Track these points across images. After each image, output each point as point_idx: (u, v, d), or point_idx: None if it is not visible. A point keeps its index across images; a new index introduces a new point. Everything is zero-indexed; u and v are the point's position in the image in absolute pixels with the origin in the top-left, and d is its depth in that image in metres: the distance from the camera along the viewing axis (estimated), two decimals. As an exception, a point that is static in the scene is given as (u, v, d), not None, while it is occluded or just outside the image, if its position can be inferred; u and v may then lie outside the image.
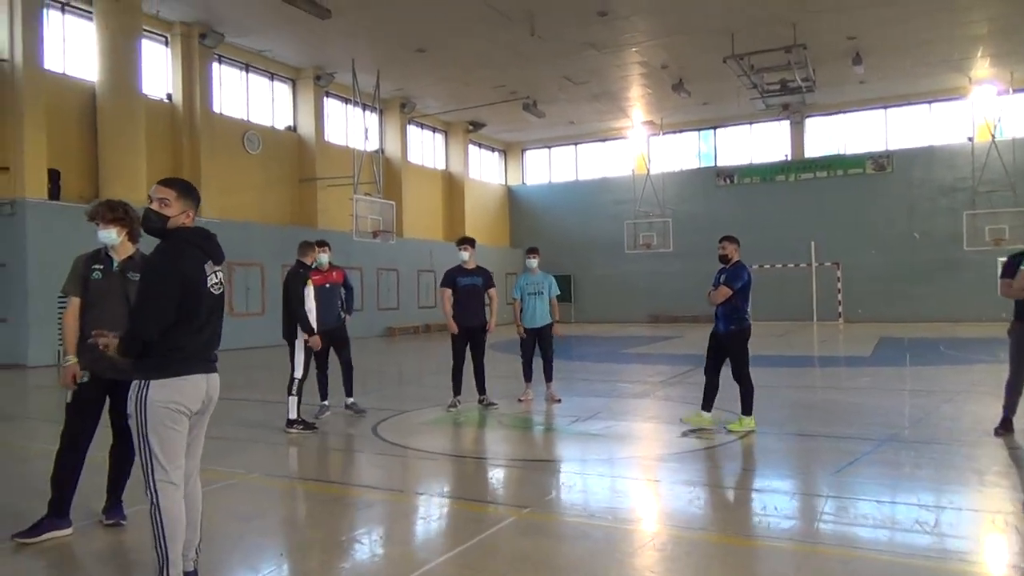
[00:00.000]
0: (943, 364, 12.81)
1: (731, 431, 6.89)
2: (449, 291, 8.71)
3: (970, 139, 24.85)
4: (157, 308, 3.10)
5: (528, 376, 9.23)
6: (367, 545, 4.20)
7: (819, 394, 10.07)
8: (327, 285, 8.21)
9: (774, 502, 4.84)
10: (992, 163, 23.55)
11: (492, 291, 8.88)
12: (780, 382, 11.21)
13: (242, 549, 4.12)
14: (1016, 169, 23.40)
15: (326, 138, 22.97)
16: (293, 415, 7.40)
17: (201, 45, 18.64)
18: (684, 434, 6.98)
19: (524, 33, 18.40)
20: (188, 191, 3.31)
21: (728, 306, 7.08)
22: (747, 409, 7.02)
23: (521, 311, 9.24)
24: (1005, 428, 6.59)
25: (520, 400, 9.07)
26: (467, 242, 8.89)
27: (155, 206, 3.23)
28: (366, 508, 4.91)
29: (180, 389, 3.15)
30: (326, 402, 8.30)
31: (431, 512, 4.85)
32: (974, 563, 3.68)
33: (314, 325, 7.49)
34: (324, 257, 8.27)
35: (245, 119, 20.80)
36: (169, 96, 18.75)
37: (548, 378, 9.26)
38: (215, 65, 19.55)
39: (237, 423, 7.72)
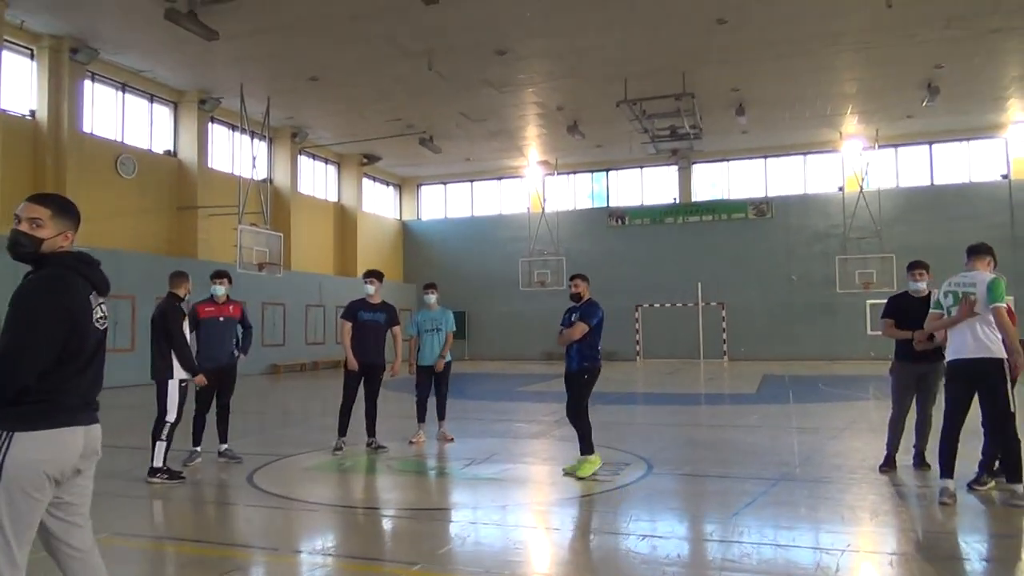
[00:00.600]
0: (824, 401, 13.30)
1: (566, 472, 6.63)
2: (349, 324, 8.21)
3: (841, 189, 26.60)
4: (34, 348, 2.50)
5: (422, 416, 8.84)
6: (232, 617, 3.67)
7: (711, 432, 10.14)
8: (220, 319, 7.56)
9: (677, 549, 4.65)
10: (861, 212, 25.23)
11: (396, 329, 8.47)
12: (672, 420, 11.28)
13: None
14: (882, 218, 25.16)
15: (209, 164, 21.84)
16: (159, 463, 6.64)
17: (72, 60, 17.34)
18: (566, 473, 6.76)
19: (421, 67, 18.22)
20: (65, 209, 2.76)
21: (583, 343, 6.84)
22: (588, 448, 6.74)
23: (418, 348, 8.90)
24: (889, 465, 6.74)
25: (411, 442, 8.63)
26: (373, 275, 8.50)
27: (24, 227, 2.67)
28: (234, 571, 4.35)
29: (55, 446, 2.55)
30: (198, 448, 7.54)
31: (310, 572, 4.34)
32: (880, 611, 3.58)
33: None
34: (220, 289, 7.67)
35: (119, 141, 19.47)
36: (33, 113, 17.30)
37: (441, 416, 8.93)
38: (87, 83, 18.24)
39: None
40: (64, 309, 2.60)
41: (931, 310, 6.01)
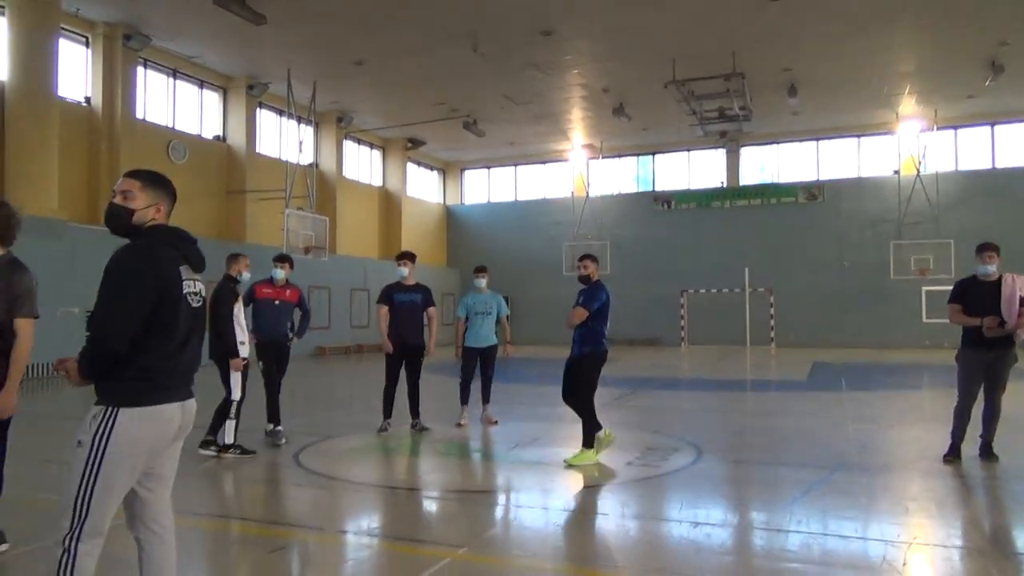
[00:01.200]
0: (879, 390, 12.88)
1: (569, 464, 6.41)
2: (386, 308, 8.22)
3: (896, 172, 25.68)
4: (122, 316, 2.57)
5: (465, 399, 8.79)
6: (277, 595, 3.63)
7: (762, 420, 9.87)
8: (276, 301, 7.69)
9: (731, 538, 4.47)
10: (917, 196, 24.34)
11: (431, 310, 8.42)
12: (721, 406, 11.03)
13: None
14: (939, 203, 24.24)
15: (257, 149, 22.08)
16: (230, 439, 6.87)
17: (125, 47, 17.64)
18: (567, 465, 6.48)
19: (466, 50, 18.08)
20: (157, 181, 2.85)
21: (585, 327, 6.57)
22: (588, 441, 6.49)
23: (466, 331, 8.83)
24: (954, 455, 6.44)
25: (459, 424, 8.58)
26: (407, 257, 8.49)
27: (118, 199, 2.77)
28: (277, 550, 4.32)
29: (156, 422, 2.65)
30: (279, 426, 7.67)
31: (354, 554, 4.30)
32: (953, 608, 3.37)
33: (242, 343, 6.94)
34: (281, 273, 7.77)
35: (171, 127, 19.79)
36: (88, 99, 17.66)
37: (486, 399, 8.85)
38: (140, 69, 18.55)
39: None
40: (151, 278, 2.64)
41: None
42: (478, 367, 8.86)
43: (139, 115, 18.52)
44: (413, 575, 3.79)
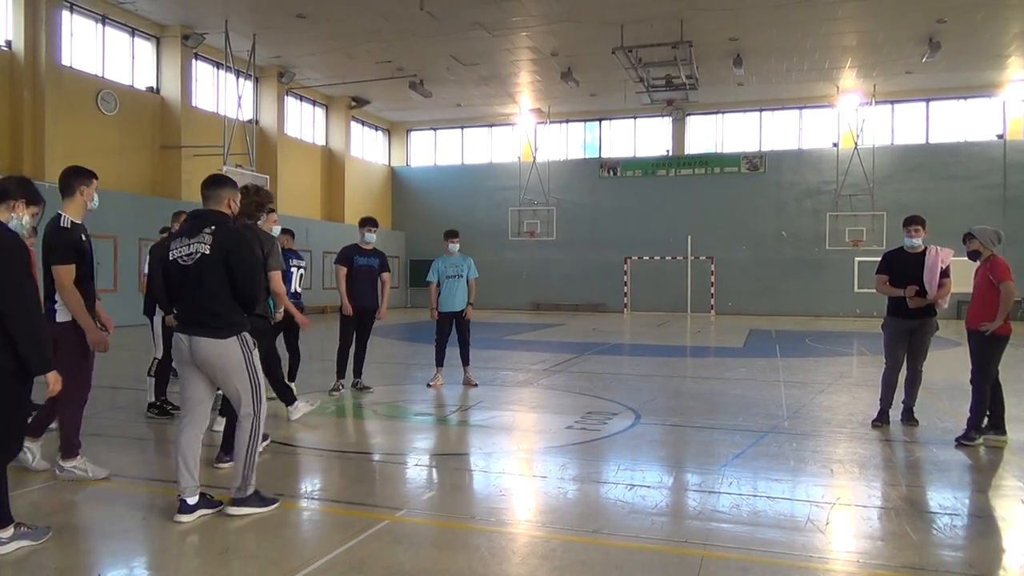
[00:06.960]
0: (811, 356, 13.32)
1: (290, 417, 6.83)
2: (345, 269, 8.28)
3: (835, 145, 26.35)
4: None
5: (440, 360, 9.01)
6: (208, 560, 3.57)
7: (699, 384, 10.11)
8: None
9: (666, 500, 4.59)
10: (854, 168, 25.06)
11: (386, 275, 8.60)
12: (660, 371, 11.25)
13: (54, 566, 3.40)
14: (875, 176, 25.01)
15: (193, 103, 21.27)
16: (150, 398, 6.88)
17: (48, -12, 16.68)
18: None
19: (412, 7, 17.65)
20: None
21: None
22: (287, 400, 6.89)
23: (439, 295, 8.94)
24: (881, 420, 6.72)
25: (429, 385, 8.82)
26: (374, 224, 8.55)
27: None
28: (209, 514, 4.25)
29: None
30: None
31: (289, 518, 4.25)
32: (871, 564, 3.52)
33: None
34: None
35: (100, 76, 18.86)
36: (9, 44, 16.67)
37: (465, 362, 9.11)
38: (65, 13, 17.56)
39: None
40: None
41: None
42: (454, 330, 9.03)
43: (65, 62, 17.60)
44: (351, 538, 3.77)
